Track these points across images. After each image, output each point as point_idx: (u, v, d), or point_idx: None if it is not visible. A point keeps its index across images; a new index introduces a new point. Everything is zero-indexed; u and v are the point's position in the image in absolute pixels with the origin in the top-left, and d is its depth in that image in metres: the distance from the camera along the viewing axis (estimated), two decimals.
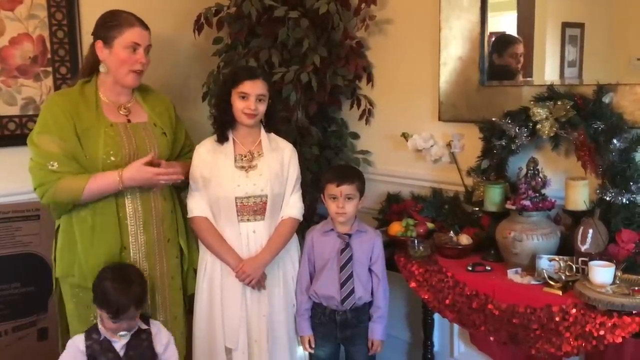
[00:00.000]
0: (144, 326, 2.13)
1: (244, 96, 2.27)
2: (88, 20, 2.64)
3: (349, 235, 2.33)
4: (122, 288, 2.04)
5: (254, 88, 2.27)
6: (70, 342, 2.09)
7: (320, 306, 2.36)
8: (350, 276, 2.30)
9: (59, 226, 2.27)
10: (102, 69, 2.26)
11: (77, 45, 2.75)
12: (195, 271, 2.45)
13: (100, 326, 2.07)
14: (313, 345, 2.39)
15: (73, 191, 2.13)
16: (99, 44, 2.22)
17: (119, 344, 2.06)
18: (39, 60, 2.68)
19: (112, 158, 2.18)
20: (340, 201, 2.28)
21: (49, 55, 2.70)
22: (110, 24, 2.21)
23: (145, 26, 2.24)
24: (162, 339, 2.15)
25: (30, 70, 2.67)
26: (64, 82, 2.72)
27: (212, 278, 2.36)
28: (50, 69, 2.71)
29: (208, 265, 2.37)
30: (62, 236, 2.25)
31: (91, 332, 2.08)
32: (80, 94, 2.23)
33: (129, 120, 2.27)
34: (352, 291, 2.29)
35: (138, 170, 2.17)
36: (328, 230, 2.35)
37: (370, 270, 2.35)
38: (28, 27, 2.64)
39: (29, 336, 2.65)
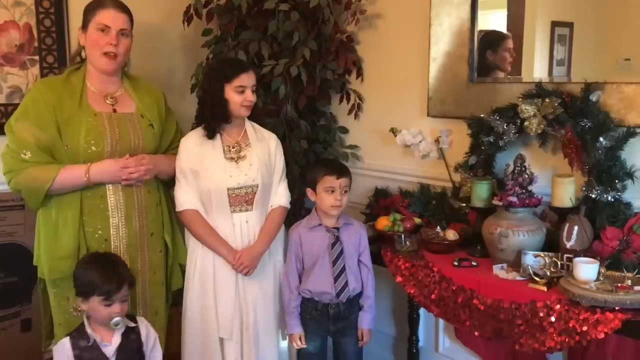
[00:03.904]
0: (131, 324, 2.03)
1: (242, 90, 2.27)
2: (76, 9, 2.62)
3: (338, 229, 2.33)
4: (110, 268, 1.98)
5: (249, 79, 2.28)
6: (58, 348, 1.96)
7: (312, 301, 2.35)
8: (343, 269, 2.30)
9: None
10: (83, 55, 2.26)
11: (65, 34, 2.72)
12: (180, 266, 2.43)
13: (88, 329, 1.95)
14: (304, 342, 2.36)
15: (42, 180, 2.11)
16: (79, 29, 2.23)
17: (110, 348, 1.96)
18: (25, 48, 2.65)
19: (94, 147, 2.16)
20: (338, 193, 2.28)
21: (35, 44, 2.67)
22: (88, 8, 2.22)
23: (122, 9, 2.21)
24: (150, 337, 2.08)
25: (16, 58, 2.64)
26: (51, 71, 2.69)
27: (204, 271, 2.34)
28: (37, 57, 2.68)
29: (199, 259, 2.35)
30: (36, 229, 2.25)
31: (77, 338, 1.95)
32: (65, 83, 2.20)
33: (114, 110, 2.25)
34: (346, 284, 2.30)
35: (107, 164, 2.16)
36: (315, 226, 2.34)
37: (359, 261, 2.36)
38: (14, 15, 2.61)
39: (13, 327, 2.63)
